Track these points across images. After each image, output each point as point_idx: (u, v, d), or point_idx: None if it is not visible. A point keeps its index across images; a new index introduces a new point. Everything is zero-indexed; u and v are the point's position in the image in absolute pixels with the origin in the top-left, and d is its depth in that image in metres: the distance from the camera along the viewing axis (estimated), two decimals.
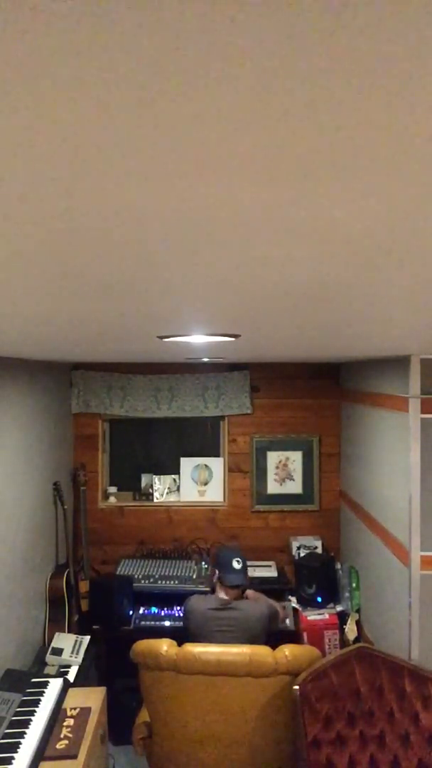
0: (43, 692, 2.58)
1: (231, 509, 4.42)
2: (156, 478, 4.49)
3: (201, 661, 2.64)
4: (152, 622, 3.65)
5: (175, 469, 4.51)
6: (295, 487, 4.41)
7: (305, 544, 4.17)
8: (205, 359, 3.60)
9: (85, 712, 2.50)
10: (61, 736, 2.33)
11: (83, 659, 3.20)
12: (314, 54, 0.27)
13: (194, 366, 4.33)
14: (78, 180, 0.43)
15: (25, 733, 2.28)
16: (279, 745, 2.68)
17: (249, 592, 3.33)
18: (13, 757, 2.15)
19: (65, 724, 2.41)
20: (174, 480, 4.49)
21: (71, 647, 3.26)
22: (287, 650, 2.69)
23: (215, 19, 0.25)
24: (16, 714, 2.41)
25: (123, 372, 4.35)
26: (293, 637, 3.45)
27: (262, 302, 1.08)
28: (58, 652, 3.22)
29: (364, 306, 1.12)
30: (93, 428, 4.44)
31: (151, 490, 4.48)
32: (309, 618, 3.60)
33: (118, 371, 4.35)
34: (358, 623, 3.52)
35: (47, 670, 3.11)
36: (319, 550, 4.14)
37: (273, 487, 4.41)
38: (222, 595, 3.13)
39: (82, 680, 3.03)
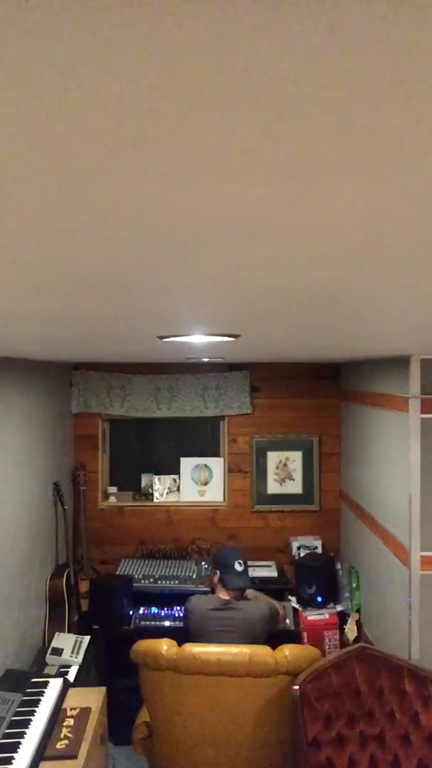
0: (43, 692, 2.58)
1: (231, 509, 4.42)
2: (156, 478, 4.49)
3: (201, 661, 2.64)
4: (152, 622, 3.64)
5: (175, 469, 4.51)
6: (295, 487, 4.41)
7: (305, 544, 4.17)
8: (205, 359, 3.60)
9: (85, 712, 2.50)
10: (61, 736, 2.33)
11: (83, 659, 3.20)
12: (314, 53, 0.27)
13: (194, 366, 4.33)
14: (78, 180, 0.43)
15: (25, 733, 2.28)
16: (279, 745, 2.68)
17: (249, 592, 3.33)
18: (13, 757, 2.15)
19: (65, 724, 2.41)
20: (174, 480, 4.49)
21: (71, 647, 3.26)
22: (287, 650, 2.69)
23: (215, 22, 0.25)
24: (16, 714, 2.41)
25: (123, 372, 4.35)
26: (293, 637, 3.44)
27: (262, 302, 1.08)
28: (58, 652, 3.22)
29: (364, 306, 1.12)
30: (93, 428, 4.44)
31: (151, 490, 4.48)
32: (309, 618, 3.60)
33: (118, 371, 4.35)
34: (358, 623, 3.52)
35: (47, 670, 3.11)
36: (319, 550, 4.14)
37: (273, 487, 4.41)
38: (223, 595, 3.13)
39: (82, 680, 3.03)
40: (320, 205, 0.49)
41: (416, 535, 2.67)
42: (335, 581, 3.87)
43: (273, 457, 4.41)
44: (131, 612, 3.72)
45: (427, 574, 2.66)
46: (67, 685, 2.71)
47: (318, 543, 4.19)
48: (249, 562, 3.37)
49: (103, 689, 2.74)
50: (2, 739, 2.24)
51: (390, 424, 3.06)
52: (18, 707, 2.45)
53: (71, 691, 2.68)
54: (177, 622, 3.58)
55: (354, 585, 3.62)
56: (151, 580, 3.94)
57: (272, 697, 2.65)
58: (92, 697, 2.64)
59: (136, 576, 3.95)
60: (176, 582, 3.92)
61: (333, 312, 1.22)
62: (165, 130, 0.35)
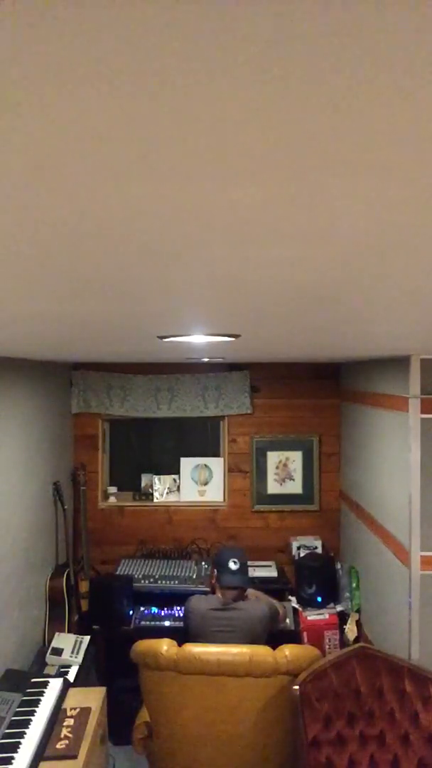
0: (43, 692, 2.58)
1: (231, 509, 4.42)
2: (156, 478, 4.49)
3: (201, 661, 2.64)
4: (152, 622, 3.64)
5: (175, 469, 4.51)
6: (295, 487, 4.41)
7: (305, 544, 4.17)
8: (205, 359, 3.60)
9: (85, 712, 2.50)
10: (61, 736, 2.33)
11: (83, 659, 3.20)
12: (314, 54, 0.27)
13: (194, 366, 4.33)
14: (78, 180, 0.43)
15: (25, 733, 2.28)
16: (279, 745, 2.68)
17: (250, 592, 3.33)
18: (13, 757, 2.15)
19: (65, 724, 2.41)
20: (174, 480, 4.49)
21: (71, 647, 3.26)
22: (287, 650, 2.69)
23: (213, 20, 0.25)
24: (16, 714, 2.41)
25: (123, 372, 4.35)
26: (293, 637, 3.44)
27: (262, 302, 1.08)
28: (58, 652, 3.22)
29: (364, 306, 1.12)
30: (93, 428, 4.44)
31: (151, 490, 4.48)
32: (309, 618, 3.60)
33: (118, 371, 4.35)
34: (358, 623, 3.52)
35: (47, 670, 3.11)
36: (319, 550, 4.14)
37: (273, 487, 4.41)
38: (219, 595, 3.13)
39: (82, 680, 3.03)
40: (321, 205, 0.49)
41: (416, 535, 2.67)
42: (335, 581, 3.87)
43: (273, 457, 4.41)
44: (131, 612, 3.72)
45: (427, 574, 2.66)
46: (67, 685, 2.71)
47: (318, 543, 4.19)
48: (249, 562, 3.37)
49: (103, 689, 2.74)
50: (2, 739, 2.24)
51: (390, 424, 3.06)
52: (18, 707, 2.45)
53: (71, 691, 2.68)
54: (177, 622, 3.57)
55: (354, 585, 3.62)
56: (151, 580, 3.94)
57: (272, 697, 2.65)
58: (92, 697, 2.64)
59: (136, 576, 3.95)
60: (176, 582, 3.92)
61: (333, 312, 1.22)
62: (165, 130, 0.35)
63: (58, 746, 2.26)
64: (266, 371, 4.37)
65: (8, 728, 2.30)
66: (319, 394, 4.37)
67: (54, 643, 3.28)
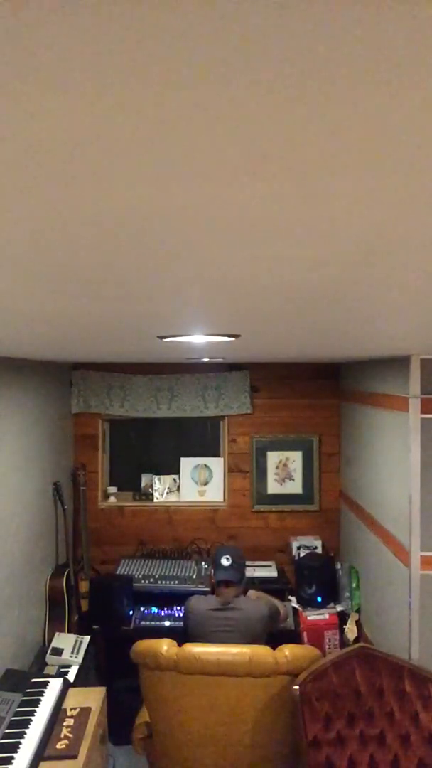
0: (43, 692, 2.58)
1: (231, 509, 4.42)
2: (156, 478, 4.49)
3: (201, 661, 2.64)
4: (152, 622, 3.64)
5: (175, 469, 4.51)
6: (295, 487, 4.41)
7: (305, 544, 4.17)
8: (205, 359, 3.60)
9: (85, 712, 2.50)
10: (61, 736, 2.33)
11: (83, 659, 3.20)
12: (313, 54, 0.27)
13: (194, 366, 4.33)
14: (78, 180, 0.43)
15: (25, 733, 2.28)
16: (279, 745, 2.68)
17: (251, 592, 3.34)
18: (13, 757, 2.15)
19: (65, 724, 2.41)
20: (174, 480, 4.49)
21: (71, 647, 3.26)
22: (287, 650, 2.69)
23: (215, 23, 0.25)
24: (16, 714, 2.41)
25: (123, 372, 4.35)
26: (293, 637, 3.44)
27: (262, 302, 1.08)
28: (58, 652, 3.22)
29: (364, 306, 1.12)
30: (93, 428, 4.44)
31: (151, 490, 4.48)
32: (309, 618, 3.60)
33: (118, 371, 4.35)
34: (358, 623, 3.52)
35: (47, 670, 3.11)
36: (319, 550, 4.14)
37: (273, 487, 4.41)
38: (217, 594, 3.13)
39: (82, 680, 3.03)
40: (321, 205, 0.49)
41: (416, 535, 2.67)
42: (335, 581, 3.86)
43: (273, 457, 4.41)
44: (131, 612, 3.72)
45: (427, 574, 2.66)
46: (67, 685, 2.71)
47: (318, 543, 4.19)
48: (249, 562, 3.37)
49: (103, 689, 2.74)
50: (2, 739, 2.24)
51: (390, 424, 3.06)
52: (18, 707, 2.45)
53: (71, 691, 2.68)
54: (177, 622, 3.57)
55: (354, 585, 3.62)
56: (151, 580, 3.94)
57: (272, 697, 2.65)
58: (92, 697, 2.64)
59: (136, 576, 3.95)
60: (176, 582, 3.92)
61: (334, 312, 1.22)
62: (165, 130, 0.35)
63: (58, 746, 2.26)
64: (266, 371, 4.37)
65: (8, 728, 2.30)
66: (319, 394, 4.37)
67: (54, 643, 3.28)
